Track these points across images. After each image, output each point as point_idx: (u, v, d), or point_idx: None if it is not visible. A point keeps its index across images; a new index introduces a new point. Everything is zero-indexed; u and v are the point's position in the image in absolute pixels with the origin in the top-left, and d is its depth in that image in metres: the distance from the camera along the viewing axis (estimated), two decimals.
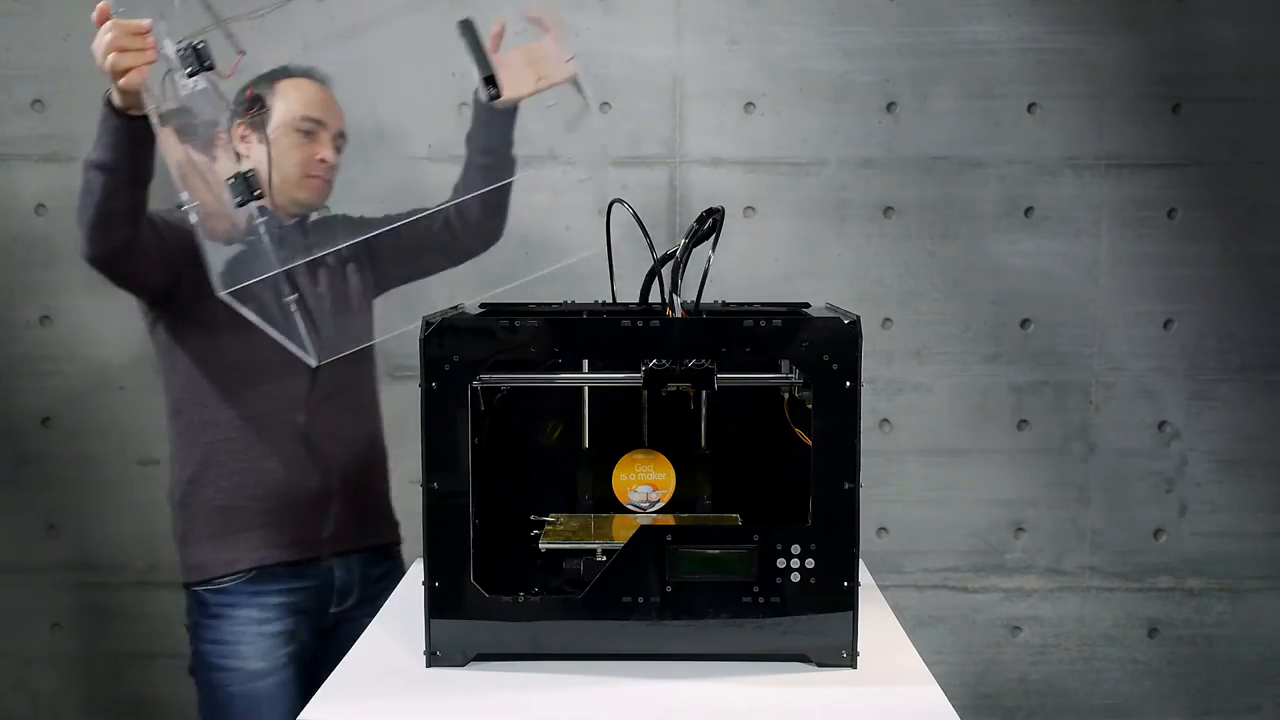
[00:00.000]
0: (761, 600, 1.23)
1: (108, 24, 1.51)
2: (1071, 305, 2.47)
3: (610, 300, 1.50)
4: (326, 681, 1.25)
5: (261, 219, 1.57)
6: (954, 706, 1.16)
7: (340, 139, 1.92)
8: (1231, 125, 2.43)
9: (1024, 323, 2.48)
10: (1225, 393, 2.49)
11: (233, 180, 1.53)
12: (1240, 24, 2.41)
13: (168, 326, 1.86)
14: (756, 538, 1.23)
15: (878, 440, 2.47)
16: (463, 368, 1.23)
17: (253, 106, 1.72)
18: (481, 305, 1.47)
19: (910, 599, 2.51)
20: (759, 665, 1.24)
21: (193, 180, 1.61)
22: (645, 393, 1.42)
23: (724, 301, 1.52)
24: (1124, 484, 2.51)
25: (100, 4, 1.51)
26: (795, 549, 1.23)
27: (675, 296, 1.29)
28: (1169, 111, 2.44)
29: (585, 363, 1.36)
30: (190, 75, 1.48)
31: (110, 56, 1.50)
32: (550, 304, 1.50)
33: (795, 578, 1.23)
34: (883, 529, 2.51)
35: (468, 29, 1.59)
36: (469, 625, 1.25)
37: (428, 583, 1.24)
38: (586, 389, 1.42)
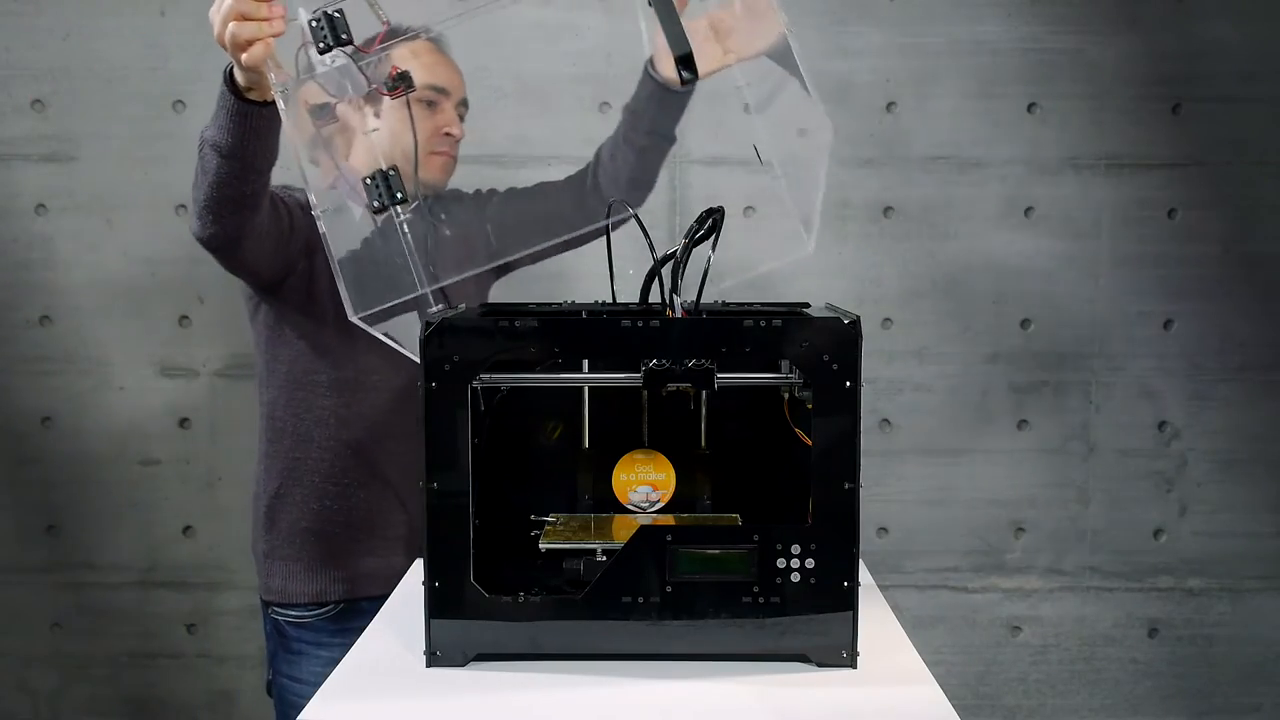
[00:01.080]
0: (761, 600, 1.23)
1: None
2: (1071, 305, 2.47)
3: (610, 300, 1.49)
4: (326, 681, 1.25)
5: (404, 219, 1.34)
6: (954, 706, 1.16)
7: (463, 107, 1.77)
8: (1231, 125, 2.43)
9: (1024, 323, 2.48)
10: (1225, 393, 2.49)
11: (370, 181, 1.29)
12: (1240, 24, 2.41)
13: (272, 316, 1.73)
14: (756, 538, 1.23)
15: (878, 440, 2.47)
16: (463, 368, 1.23)
17: (399, 85, 1.47)
18: (481, 305, 1.47)
19: (910, 599, 2.51)
20: (759, 665, 1.24)
21: (325, 164, 1.45)
22: (645, 393, 1.41)
23: (724, 301, 1.52)
24: (1124, 484, 2.51)
25: None
26: (795, 549, 1.23)
27: (675, 296, 1.29)
28: (1169, 111, 2.44)
29: (585, 363, 1.36)
30: (323, 51, 1.25)
31: (230, 26, 1.28)
32: (550, 304, 1.50)
33: (795, 578, 1.23)
34: (883, 529, 2.51)
35: None
36: (469, 625, 1.25)
37: (428, 583, 1.24)
38: (586, 389, 1.42)
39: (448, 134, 1.72)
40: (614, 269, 1.48)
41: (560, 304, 1.49)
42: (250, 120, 1.40)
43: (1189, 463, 2.51)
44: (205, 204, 1.49)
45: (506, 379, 1.32)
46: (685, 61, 1.27)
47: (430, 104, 1.70)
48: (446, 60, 1.74)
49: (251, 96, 1.39)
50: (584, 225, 1.81)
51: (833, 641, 1.24)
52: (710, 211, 1.34)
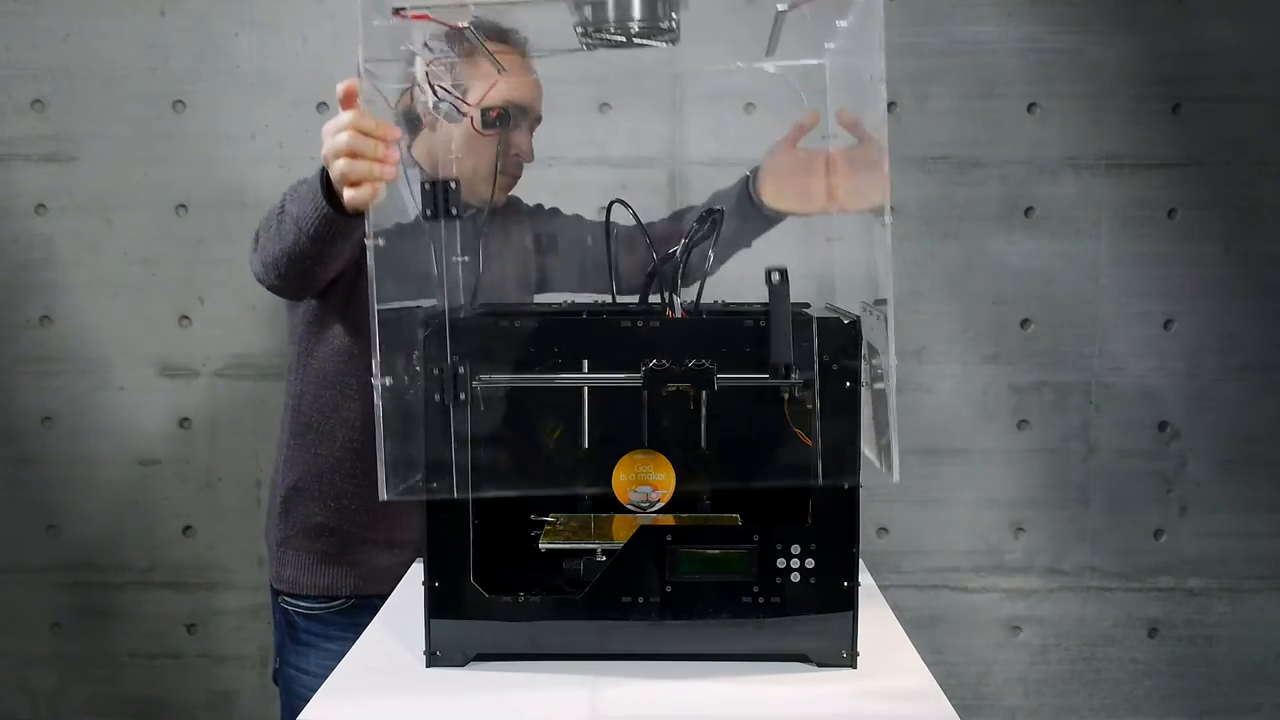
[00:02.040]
0: (761, 600, 1.23)
1: (347, 119, 1.19)
2: (1071, 305, 2.47)
3: (610, 300, 1.49)
4: (326, 681, 1.25)
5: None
6: (954, 706, 1.16)
7: (537, 123, 1.72)
8: (1231, 125, 2.43)
9: (1024, 323, 2.48)
10: (1225, 393, 2.49)
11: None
12: (1240, 24, 2.41)
13: (313, 312, 1.70)
14: (756, 538, 1.23)
15: None
16: (462, 368, 1.23)
17: (496, 124, 1.44)
18: (481, 305, 1.47)
19: (910, 599, 2.51)
20: (759, 665, 1.24)
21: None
22: (645, 393, 1.41)
23: (724, 301, 1.52)
24: (1124, 484, 2.51)
25: (348, 82, 1.18)
26: (795, 549, 1.23)
27: (675, 296, 1.29)
28: (1169, 111, 2.44)
29: (585, 363, 1.36)
30: (427, 219, 1.18)
31: (339, 162, 1.19)
32: (550, 304, 1.50)
33: (795, 578, 1.23)
34: (883, 529, 2.51)
35: (780, 292, 1.20)
36: (469, 625, 1.25)
37: (428, 583, 1.24)
38: (586, 389, 1.42)
39: (516, 156, 1.68)
40: (614, 270, 1.48)
41: (560, 304, 1.49)
42: (337, 225, 1.36)
43: (1189, 463, 2.51)
44: (273, 262, 1.47)
45: (507, 379, 1.32)
46: (783, 372, 1.23)
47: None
48: (530, 74, 1.69)
49: (344, 209, 1.32)
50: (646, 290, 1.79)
51: (833, 641, 1.24)
52: (710, 212, 1.34)
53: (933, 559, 2.52)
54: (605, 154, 2.42)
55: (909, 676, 1.25)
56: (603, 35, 1.21)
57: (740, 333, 1.24)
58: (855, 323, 1.22)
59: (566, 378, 1.35)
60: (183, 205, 2.42)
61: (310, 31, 2.39)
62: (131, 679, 2.52)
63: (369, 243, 1.18)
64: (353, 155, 1.18)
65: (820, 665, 1.25)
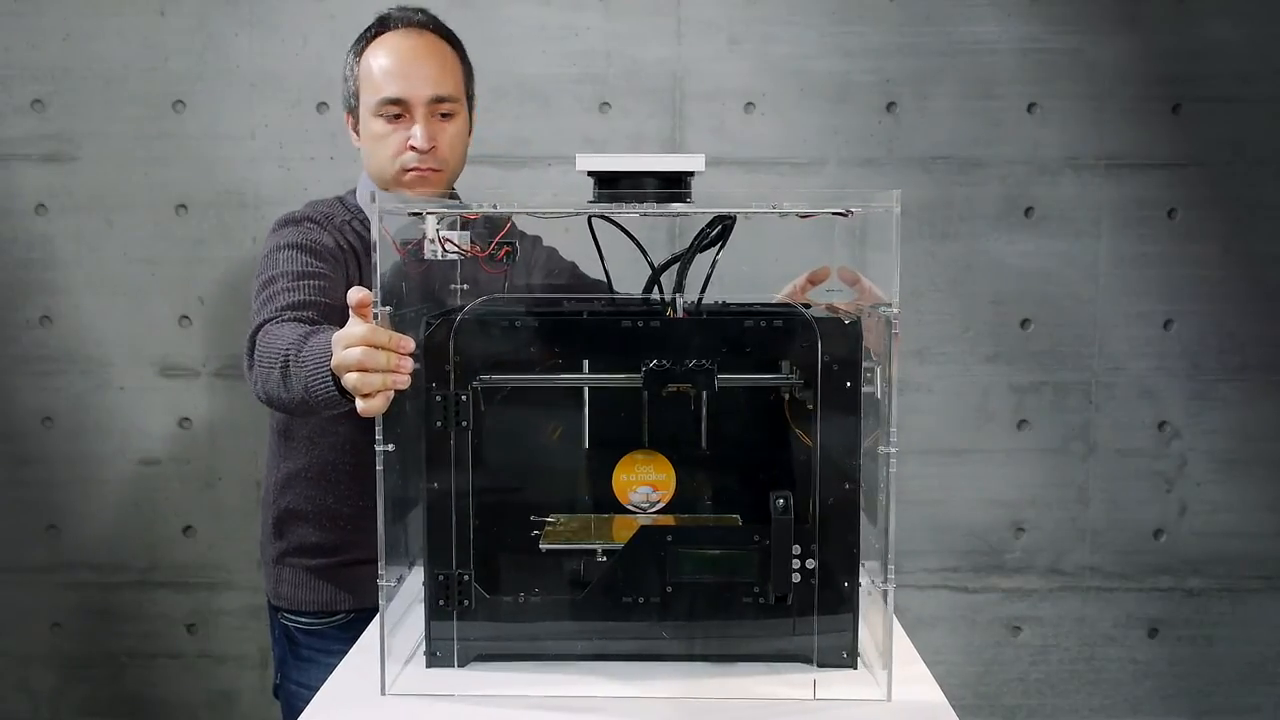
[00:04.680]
0: (762, 601, 1.23)
1: (359, 334, 1.15)
2: (1071, 305, 2.47)
3: (607, 286, 1.50)
4: (326, 682, 1.25)
5: None
6: (954, 706, 1.16)
7: (446, 104, 1.63)
8: (1231, 125, 2.43)
9: (1024, 323, 2.48)
10: (1225, 393, 2.49)
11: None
12: (1240, 24, 2.41)
13: None
14: (757, 538, 1.23)
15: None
16: (463, 368, 1.23)
17: (501, 260, 1.38)
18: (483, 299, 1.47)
19: (910, 599, 2.51)
20: (759, 665, 1.24)
21: None
22: (645, 393, 1.41)
23: (724, 301, 1.52)
24: (1124, 484, 2.51)
25: (360, 293, 1.15)
26: (796, 549, 1.23)
27: (678, 296, 1.29)
28: (1169, 111, 2.44)
29: (585, 363, 1.36)
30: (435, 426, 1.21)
31: (351, 376, 1.15)
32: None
33: (795, 578, 1.23)
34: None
35: (783, 522, 1.23)
36: (469, 625, 1.25)
37: (428, 583, 1.24)
38: (586, 389, 1.42)
39: (413, 148, 1.61)
40: (609, 274, 1.48)
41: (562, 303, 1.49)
42: (345, 406, 1.30)
43: (1189, 463, 2.51)
44: (277, 404, 1.44)
45: (507, 379, 1.32)
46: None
47: (395, 117, 1.61)
48: (414, 55, 1.62)
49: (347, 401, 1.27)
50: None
51: (833, 641, 1.24)
52: (721, 218, 1.34)
53: (933, 559, 2.52)
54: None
55: (909, 676, 1.25)
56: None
57: (741, 333, 1.23)
58: (856, 323, 1.22)
59: (567, 378, 1.35)
60: (183, 205, 2.42)
61: (310, 31, 2.39)
62: (131, 679, 2.52)
63: (379, 450, 1.19)
64: (364, 370, 1.15)
65: (820, 665, 1.25)
